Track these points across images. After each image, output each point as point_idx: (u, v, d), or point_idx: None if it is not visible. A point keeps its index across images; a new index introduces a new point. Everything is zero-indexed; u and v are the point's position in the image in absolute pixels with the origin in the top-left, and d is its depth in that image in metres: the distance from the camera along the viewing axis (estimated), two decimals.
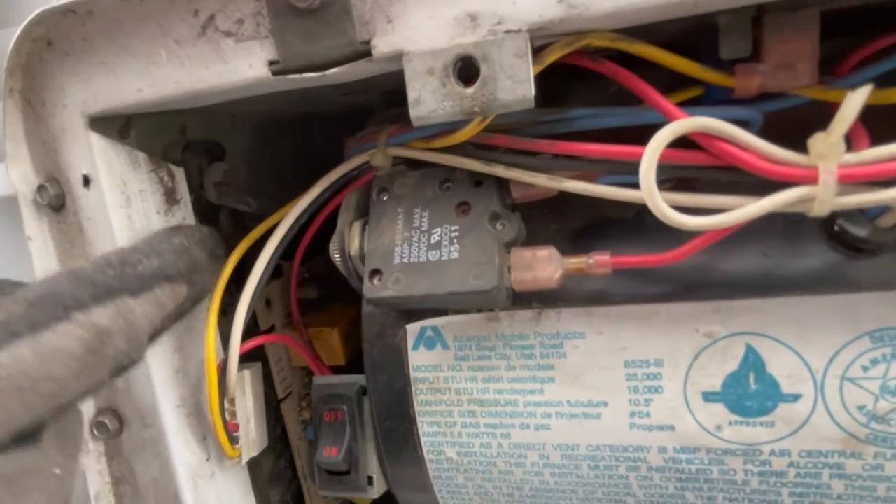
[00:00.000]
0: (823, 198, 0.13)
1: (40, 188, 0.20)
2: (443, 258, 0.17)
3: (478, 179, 0.18)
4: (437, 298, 0.17)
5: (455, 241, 0.17)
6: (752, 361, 0.16)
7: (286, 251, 0.22)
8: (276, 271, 0.22)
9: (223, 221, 0.24)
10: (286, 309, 0.27)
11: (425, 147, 0.18)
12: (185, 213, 0.22)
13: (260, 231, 0.22)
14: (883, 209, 0.15)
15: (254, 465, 0.25)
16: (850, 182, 0.13)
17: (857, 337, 0.15)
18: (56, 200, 0.20)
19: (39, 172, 0.20)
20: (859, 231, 0.15)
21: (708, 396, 0.17)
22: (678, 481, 0.18)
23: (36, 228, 0.20)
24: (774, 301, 0.16)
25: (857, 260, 0.16)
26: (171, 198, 0.21)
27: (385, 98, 0.24)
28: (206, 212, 0.23)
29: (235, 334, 0.20)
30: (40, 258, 0.20)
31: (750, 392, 0.16)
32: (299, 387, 0.28)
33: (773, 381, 0.16)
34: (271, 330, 0.26)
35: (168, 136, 0.21)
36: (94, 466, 0.22)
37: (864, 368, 0.15)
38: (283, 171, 0.30)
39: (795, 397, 0.16)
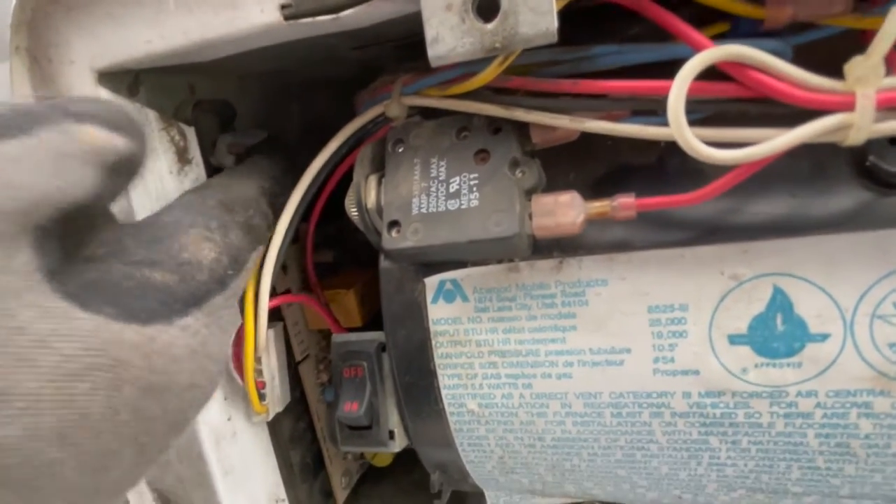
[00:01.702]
0: (861, 124, 0.12)
1: None
2: (462, 207, 0.17)
3: (496, 126, 0.17)
4: (458, 247, 0.17)
5: (474, 189, 0.17)
6: (780, 302, 0.16)
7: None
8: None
9: None
10: (301, 273, 0.27)
11: (441, 94, 0.18)
12: (197, 174, 0.21)
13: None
14: None
15: (274, 426, 0.25)
16: (889, 108, 0.12)
17: (889, 273, 0.15)
18: None
19: None
20: (893, 166, 0.15)
21: (734, 339, 0.16)
22: (702, 426, 0.18)
23: None
24: (802, 240, 0.16)
25: (889, 196, 0.15)
26: (183, 157, 0.21)
27: (396, 54, 0.24)
28: (216, 173, 0.23)
29: (263, 293, 0.20)
30: None
31: (777, 333, 0.16)
32: (316, 350, 0.28)
33: (800, 322, 0.16)
34: (287, 293, 0.26)
35: (177, 96, 0.21)
36: None
37: None
38: (291, 138, 0.30)
39: (824, 337, 0.16)
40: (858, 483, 0.17)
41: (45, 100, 0.13)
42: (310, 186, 0.20)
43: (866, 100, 0.12)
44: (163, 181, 0.20)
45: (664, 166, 0.18)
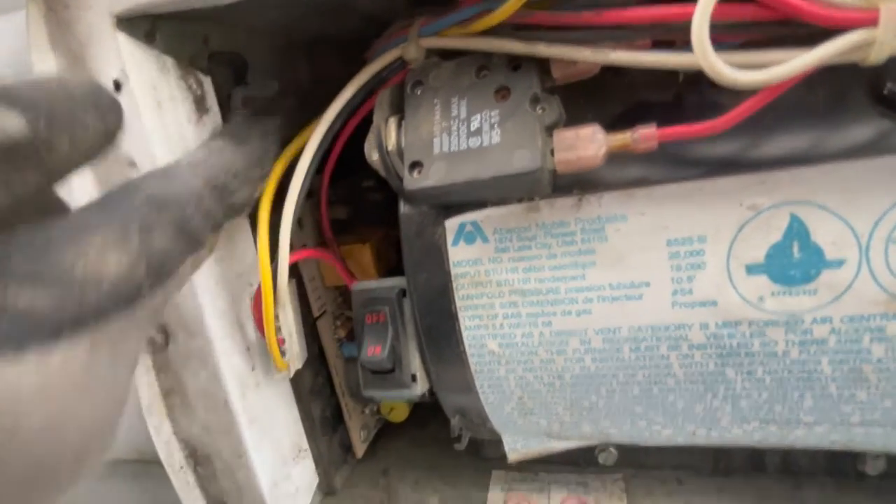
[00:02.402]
0: (883, 39, 0.13)
1: None
2: (484, 144, 0.17)
3: (516, 64, 0.18)
4: (480, 184, 0.17)
5: (496, 126, 0.17)
6: (797, 230, 0.16)
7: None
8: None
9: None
10: (316, 229, 0.27)
11: (461, 33, 0.18)
12: (215, 123, 0.22)
13: (297, 146, 0.22)
14: None
15: (295, 379, 0.26)
16: None
17: None
18: None
19: None
20: None
21: (751, 269, 0.17)
22: (719, 357, 0.18)
23: None
24: (820, 169, 0.16)
25: None
26: (201, 106, 0.21)
27: (408, 3, 0.24)
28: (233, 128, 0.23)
29: (283, 244, 0.20)
30: None
31: (793, 261, 0.16)
32: (333, 306, 0.28)
33: (817, 249, 0.16)
34: (304, 248, 0.26)
35: (192, 45, 0.21)
36: (143, 379, 0.23)
37: None
38: (300, 95, 0.30)
39: (839, 263, 0.16)
40: (869, 409, 0.18)
41: None
42: (325, 135, 0.21)
43: (890, 13, 0.12)
44: (182, 130, 0.20)
45: (682, 102, 0.18)
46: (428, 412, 0.32)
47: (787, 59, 0.14)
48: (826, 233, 0.16)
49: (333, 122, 0.21)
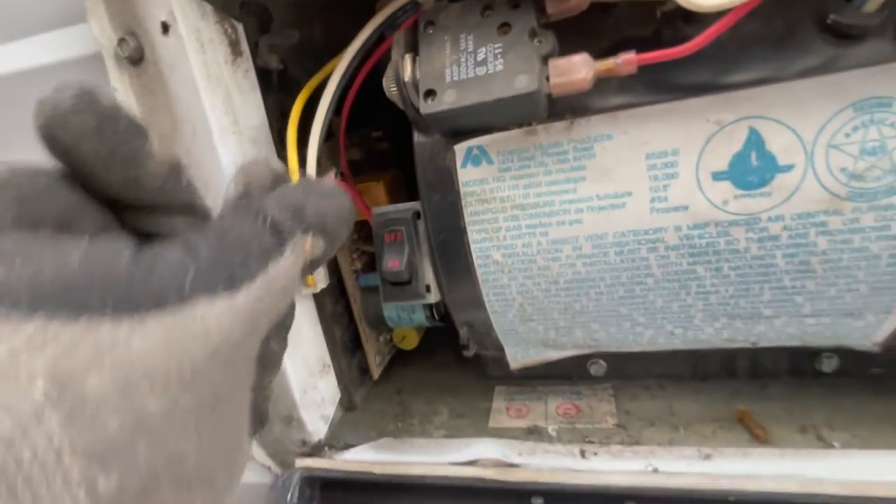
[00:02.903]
0: None
1: (121, 41, 0.22)
2: (489, 72, 0.20)
3: (515, 3, 0.20)
4: (487, 106, 0.20)
5: (499, 56, 0.20)
6: (754, 141, 0.19)
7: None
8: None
9: (274, 82, 0.27)
10: (334, 168, 0.30)
11: None
12: (248, 66, 0.24)
13: (316, 82, 0.24)
14: None
15: (318, 305, 0.29)
16: None
17: (843, 108, 0.18)
18: (135, 53, 0.22)
19: (118, 27, 0.22)
20: (849, 20, 0.18)
21: (717, 176, 0.20)
22: (690, 256, 0.21)
23: (119, 80, 0.23)
24: (774, 87, 0.19)
25: (847, 47, 0.19)
26: (235, 49, 0.23)
27: None
28: (260, 74, 0.26)
29: (311, 166, 0.23)
30: None
31: (752, 168, 0.19)
32: (349, 241, 0.31)
33: (770, 156, 0.19)
34: None
35: None
36: None
37: (847, 135, 0.18)
38: (316, 50, 0.32)
39: (789, 167, 0.19)
40: (817, 299, 0.21)
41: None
42: (346, 71, 0.23)
43: None
44: (221, 70, 0.23)
45: (660, 37, 0.21)
46: (436, 342, 0.36)
47: None
48: (778, 142, 0.19)
49: (353, 59, 0.23)
